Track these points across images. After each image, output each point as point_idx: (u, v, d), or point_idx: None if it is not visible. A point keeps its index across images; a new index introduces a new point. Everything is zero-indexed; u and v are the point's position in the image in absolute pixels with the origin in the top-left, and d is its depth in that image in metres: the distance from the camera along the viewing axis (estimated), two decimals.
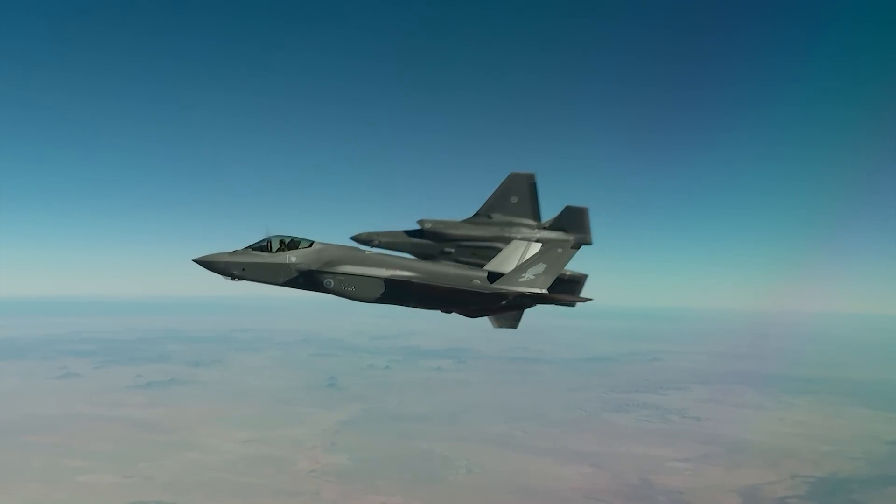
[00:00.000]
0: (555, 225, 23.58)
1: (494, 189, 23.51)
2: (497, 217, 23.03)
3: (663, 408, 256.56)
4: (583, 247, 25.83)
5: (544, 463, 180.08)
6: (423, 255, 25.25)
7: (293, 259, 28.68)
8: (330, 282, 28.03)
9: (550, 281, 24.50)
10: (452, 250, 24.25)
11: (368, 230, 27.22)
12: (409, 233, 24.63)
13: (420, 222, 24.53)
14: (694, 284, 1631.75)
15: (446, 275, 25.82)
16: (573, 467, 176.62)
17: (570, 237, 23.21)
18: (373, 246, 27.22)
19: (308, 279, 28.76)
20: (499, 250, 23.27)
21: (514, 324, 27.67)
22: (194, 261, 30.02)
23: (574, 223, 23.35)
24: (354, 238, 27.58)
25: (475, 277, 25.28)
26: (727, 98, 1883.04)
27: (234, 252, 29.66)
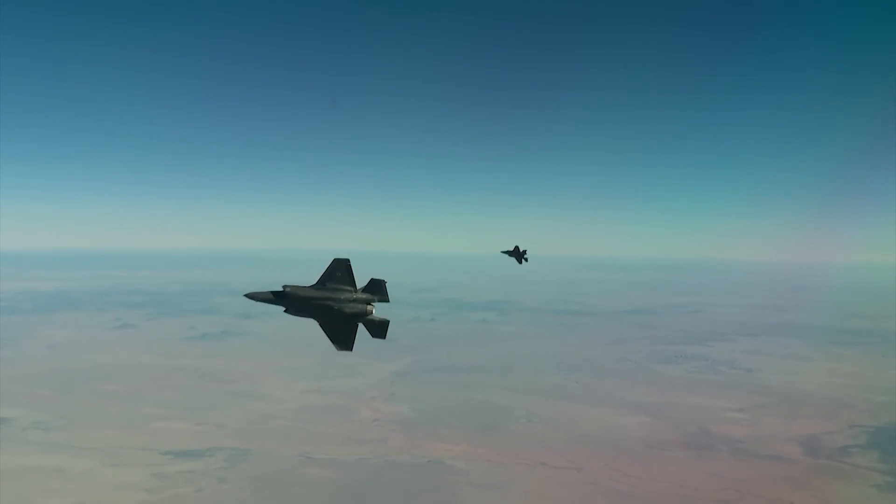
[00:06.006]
0: (365, 290, 29.19)
1: (324, 270, 29.05)
2: (329, 285, 28.96)
3: (712, 359, 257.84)
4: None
5: (602, 412, 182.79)
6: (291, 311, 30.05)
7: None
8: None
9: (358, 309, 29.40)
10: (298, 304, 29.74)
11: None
12: (276, 294, 29.01)
13: (284, 287, 28.94)
14: (727, 236, 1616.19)
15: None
16: (631, 417, 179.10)
17: (375, 297, 29.36)
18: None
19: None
20: (330, 305, 29.21)
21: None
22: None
23: (376, 289, 29.07)
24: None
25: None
26: (763, 49, 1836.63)
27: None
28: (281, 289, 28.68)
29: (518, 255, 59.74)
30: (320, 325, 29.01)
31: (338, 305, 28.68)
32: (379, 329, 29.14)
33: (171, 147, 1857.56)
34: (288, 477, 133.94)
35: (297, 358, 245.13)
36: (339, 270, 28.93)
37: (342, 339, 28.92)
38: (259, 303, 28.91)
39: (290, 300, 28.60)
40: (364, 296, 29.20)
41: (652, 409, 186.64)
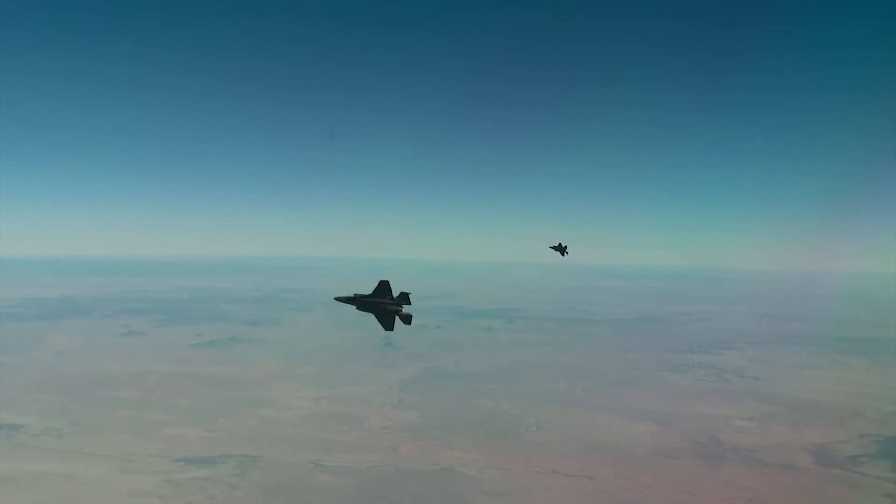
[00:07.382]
0: (398, 297, 42.77)
1: (374, 287, 43.42)
2: (377, 294, 42.97)
3: (719, 367, 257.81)
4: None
5: (610, 420, 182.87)
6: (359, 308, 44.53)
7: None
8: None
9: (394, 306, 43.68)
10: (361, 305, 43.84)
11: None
12: (349, 298, 43.48)
13: (355, 294, 43.49)
14: (734, 245, 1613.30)
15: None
16: (640, 425, 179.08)
17: (403, 302, 42.59)
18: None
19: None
20: (378, 305, 43.02)
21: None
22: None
23: (404, 298, 42.96)
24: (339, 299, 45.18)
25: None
26: (769, 62, 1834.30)
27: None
28: (352, 295, 44.08)
29: (561, 249, 72.96)
30: (375, 316, 43.73)
31: (382, 305, 43.78)
32: (407, 319, 43.34)
33: (177, 153, 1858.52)
34: (300, 484, 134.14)
35: (304, 365, 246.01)
36: (383, 287, 43.92)
37: (386, 324, 43.38)
38: (338, 304, 44.40)
39: (358, 302, 43.79)
40: (396, 300, 44.03)
41: (660, 417, 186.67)
